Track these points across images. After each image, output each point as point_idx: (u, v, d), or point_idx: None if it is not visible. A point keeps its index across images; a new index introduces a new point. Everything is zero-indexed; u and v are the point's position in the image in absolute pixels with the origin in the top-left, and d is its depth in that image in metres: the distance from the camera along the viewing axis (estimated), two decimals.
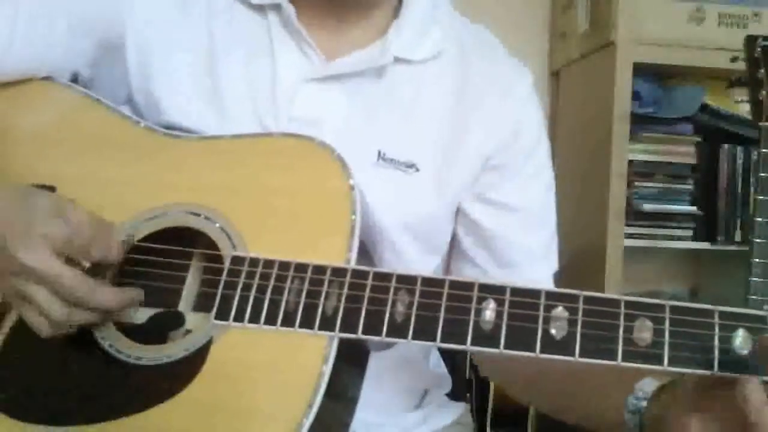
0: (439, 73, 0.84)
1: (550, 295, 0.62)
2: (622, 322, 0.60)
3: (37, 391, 0.69)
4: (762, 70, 1.22)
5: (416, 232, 0.83)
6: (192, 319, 0.72)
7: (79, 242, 0.67)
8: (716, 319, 0.59)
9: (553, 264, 0.91)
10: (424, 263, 0.85)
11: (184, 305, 0.74)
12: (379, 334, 0.64)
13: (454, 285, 0.64)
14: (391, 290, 0.64)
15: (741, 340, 0.58)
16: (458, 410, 0.98)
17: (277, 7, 0.81)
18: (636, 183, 1.79)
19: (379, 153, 0.80)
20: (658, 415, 0.63)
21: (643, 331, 0.59)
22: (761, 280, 1.16)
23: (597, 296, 0.61)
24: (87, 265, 0.68)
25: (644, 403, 0.65)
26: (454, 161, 0.83)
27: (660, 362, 0.58)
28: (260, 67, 0.81)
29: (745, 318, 0.59)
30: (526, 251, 0.88)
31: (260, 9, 0.82)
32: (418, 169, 0.81)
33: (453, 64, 0.85)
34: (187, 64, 0.81)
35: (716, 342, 0.58)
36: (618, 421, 0.66)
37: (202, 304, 0.72)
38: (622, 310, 0.60)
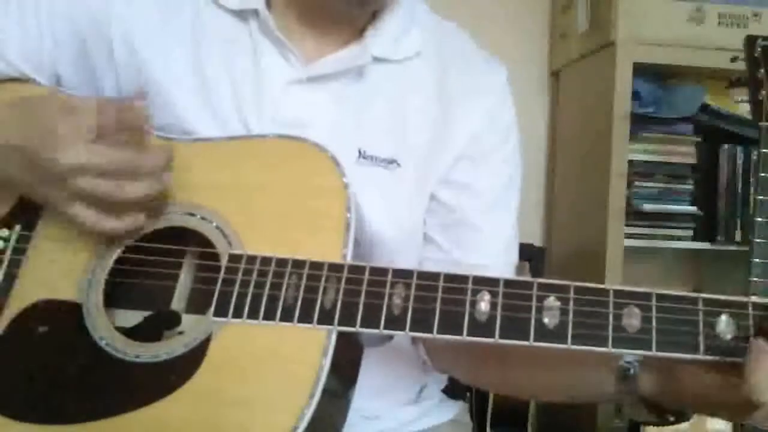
0: (418, 72, 0.86)
1: (542, 286, 0.64)
2: (611, 310, 0.62)
3: (34, 390, 0.69)
4: (762, 70, 1.22)
5: (399, 225, 0.85)
6: (187, 320, 0.73)
7: (106, 122, 0.68)
8: (700, 306, 0.62)
9: (513, 257, 0.92)
10: (406, 255, 0.87)
11: (177, 303, 0.74)
12: (377, 326, 0.65)
13: (449, 278, 0.66)
14: (388, 284, 0.66)
15: (724, 325, 0.61)
16: (456, 408, 0.99)
17: (256, 13, 0.82)
18: (636, 183, 1.79)
19: (360, 151, 0.82)
20: (664, 367, 0.67)
21: (632, 318, 0.62)
22: (761, 280, 1.16)
23: (587, 286, 0.64)
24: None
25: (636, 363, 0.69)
26: (434, 156, 0.85)
27: (649, 347, 0.61)
28: (243, 71, 0.82)
29: (728, 304, 0.62)
30: (486, 236, 0.89)
31: (243, 15, 0.83)
32: (399, 165, 0.83)
33: (431, 62, 0.87)
34: (178, 73, 0.82)
35: (701, 327, 0.61)
36: (601, 388, 0.72)
37: (195, 301, 0.74)
38: (611, 298, 0.63)
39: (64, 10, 0.83)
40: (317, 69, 0.82)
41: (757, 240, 1.17)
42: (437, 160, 0.86)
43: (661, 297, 0.62)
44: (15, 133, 0.70)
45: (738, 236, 1.83)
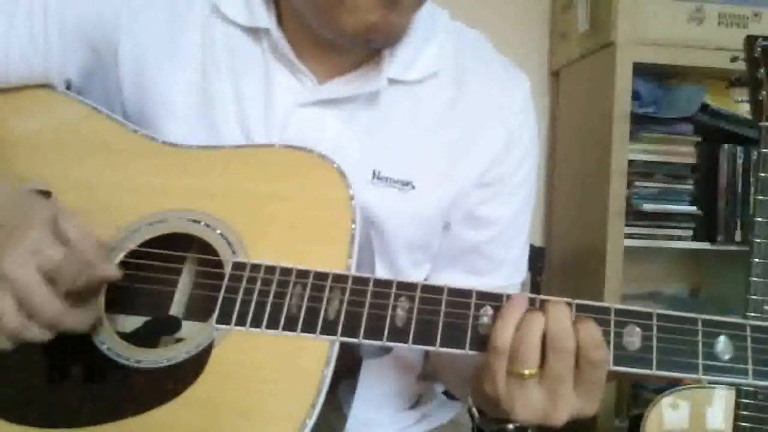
0: (434, 92, 0.83)
1: (544, 303, 0.64)
2: (612, 328, 0.63)
3: (35, 394, 0.69)
4: (762, 70, 1.23)
5: (411, 245, 0.84)
6: (189, 327, 0.73)
7: (68, 272, 0.65)
8: (700, 326, 0.62)
9: (522, 272, 0.92)
10: (415, 275, 0.86)
11: (175, 309, 0.74)
12: (380, 338, 0.65)
13: (453, 292, 0.66)
14: (392, 296, 0.66)
15: (722, 346, 0.62)
16: (455, 409, 0.99)
17: (267, 32, 0.80)
18: (636, 183, 1.79)
19: (374, 172, 0.80)
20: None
21: (633, 337, 0.62)
22: (761, 280, 1.16)
23: (588, 304, 0.64)
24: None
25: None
26: (451, 178, 0.83)
27: (649, 366, 0.62)
28: (253, 90, 0.80)
29: (726, 325, 0.62)
30: (497, 262, 0.88)
31: (254, 32, 0.81)
32: (414, 187, 0.81)
33: (449, 81, 0.84)
34: (182, 82, 0.81)
35: (700, 347, 0.62)
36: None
37: (194, 308, 0.73)
38: (613, 317, 0.63)
39: (75, 23, 0.82)
40: (330, 92, 0.80)
41: (757, 240, 1.17)
42: (453, 183, 0.83)
43: (661, 317, 0.63)
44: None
45: (738, 236, 1.82)
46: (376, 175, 0.80)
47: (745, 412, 1.17)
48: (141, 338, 0.71)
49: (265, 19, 0.79)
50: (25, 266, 0.63)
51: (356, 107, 0.81)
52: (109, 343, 0.70)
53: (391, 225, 0.81)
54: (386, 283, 0.66)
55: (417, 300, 0.65)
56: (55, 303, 0.64)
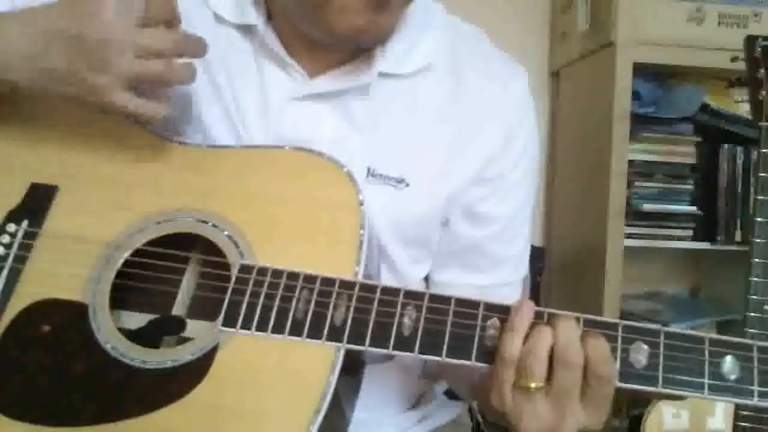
0: (430, 86, 0.82)
1: (552, 316, 0.64)
2: (619, 344, 0.62)
3: (39, 392, 0.69)
4: (762, 70, 1.22)
5: (407, 243, 0.83)
6: (196, 328, 0.72)
7: (154, 11, 0.69)
8: (706, 345, 0.62)
9: (523, 269, 0.92)
10: (414, 272, 0.86)
11: (178, 308, 0.74)
12: (386, 347, 0.65)
13: (460, 303, 0.65)
14: (399, 305, 0.66)
15: (729, 366, 0.62)
16: (456, 410, 0.99)
17: (257, 28, 0.80)
18: (636, 183, 1.79)
19: (369, 169, 0.80)
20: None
21: (639, 354, 0.62)
22: (761, 280, 1.16)
23: (595, 319, 0.64)
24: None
25: None
26: (447, 174, 0.82)
27: (655, 384, 0.62)
28: (248, 87, 0.80)
29: (733, 345, 0.62)
30: (498, 259, 0.88)
31: (245, 29, 0.81)
32: (408, 184, 0.80)
33: (445, 74, 0.83)
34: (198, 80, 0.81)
35: (707, 366, 0.61)
36: None
37: (197, 308, 0.73)
38: (620, 333, 0.63)
39: None
40: (319, 86, 0.80)
41: (757, 240, 1.17)
42: (450, 178, 0.83)
43: (668, 335, 0.62)
44: (58, 17, 0.68)
45: (738, 236, 1.83)
46: (370, 173, 0.80)
47: (745, 412, 1.17)
48: (144, 337, 0.71)
49: (254, 16, 0.79)
50: (127, 27, 0.67)
51: (349, 102, 0.80)
52: (114, 342, 0.70)
53: (385, 222, 0.80)
54: (393, 291, 0.66)
55: (424, 309, 0.65)
56: (170, 31, 0.69)
